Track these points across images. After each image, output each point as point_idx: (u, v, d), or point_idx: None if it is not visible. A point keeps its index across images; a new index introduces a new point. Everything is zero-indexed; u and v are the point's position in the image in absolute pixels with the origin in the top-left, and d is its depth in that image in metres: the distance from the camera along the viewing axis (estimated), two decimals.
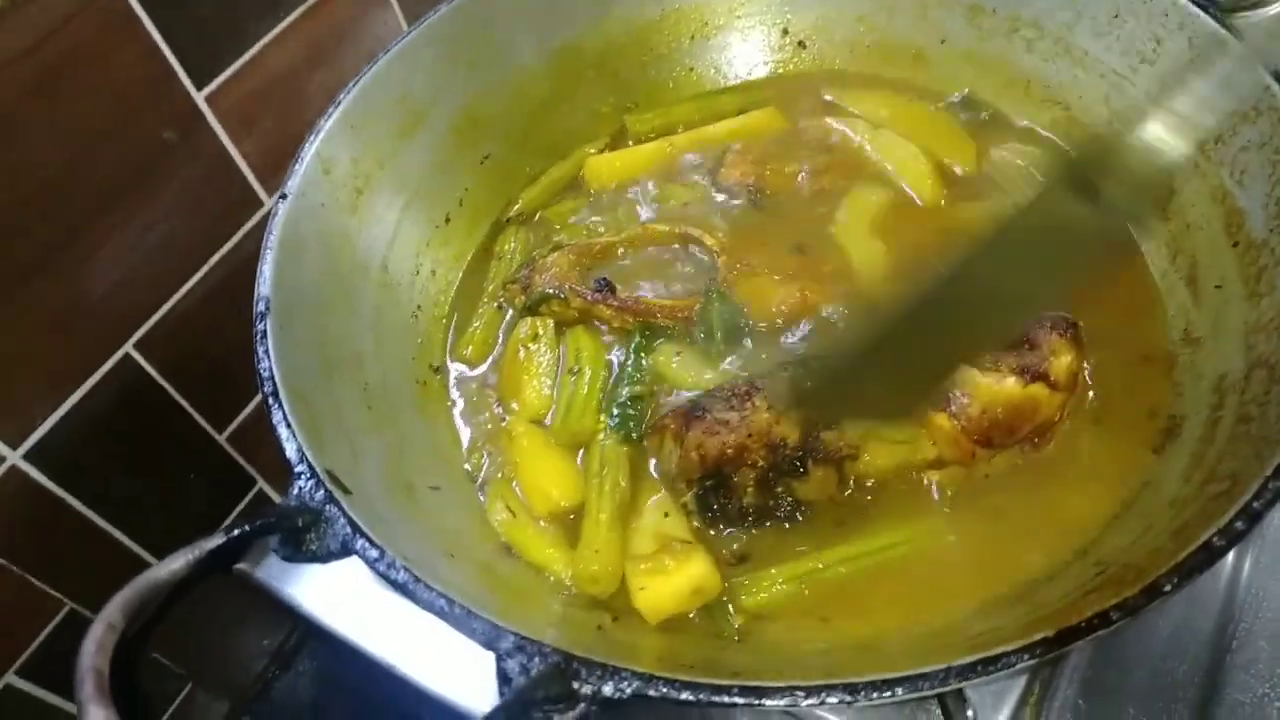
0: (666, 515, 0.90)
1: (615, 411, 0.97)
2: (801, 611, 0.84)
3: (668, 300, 1.04)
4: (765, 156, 1.18)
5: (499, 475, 0.98)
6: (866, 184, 1.14)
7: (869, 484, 0.89)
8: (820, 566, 0.86)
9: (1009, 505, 0.87)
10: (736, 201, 1.15)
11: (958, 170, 1.15)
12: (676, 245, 1.11)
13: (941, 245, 1.08)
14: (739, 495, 0.87)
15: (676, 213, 1.15)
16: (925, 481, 0.89)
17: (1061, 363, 0.87)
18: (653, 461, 0.95)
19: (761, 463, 0.85)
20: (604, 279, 1.06)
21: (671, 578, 0.83)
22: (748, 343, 1.01)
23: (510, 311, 1.10)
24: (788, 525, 0.88)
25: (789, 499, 0.88)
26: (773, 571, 0.86)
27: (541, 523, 0.93)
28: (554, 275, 1.06)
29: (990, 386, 0.85)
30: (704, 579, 0.84)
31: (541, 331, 1.05)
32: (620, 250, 1.11)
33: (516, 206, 1.23)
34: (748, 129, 1.23)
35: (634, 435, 0.95)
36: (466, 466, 0.99)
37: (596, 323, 1.06)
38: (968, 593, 0.81)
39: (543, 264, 1.08)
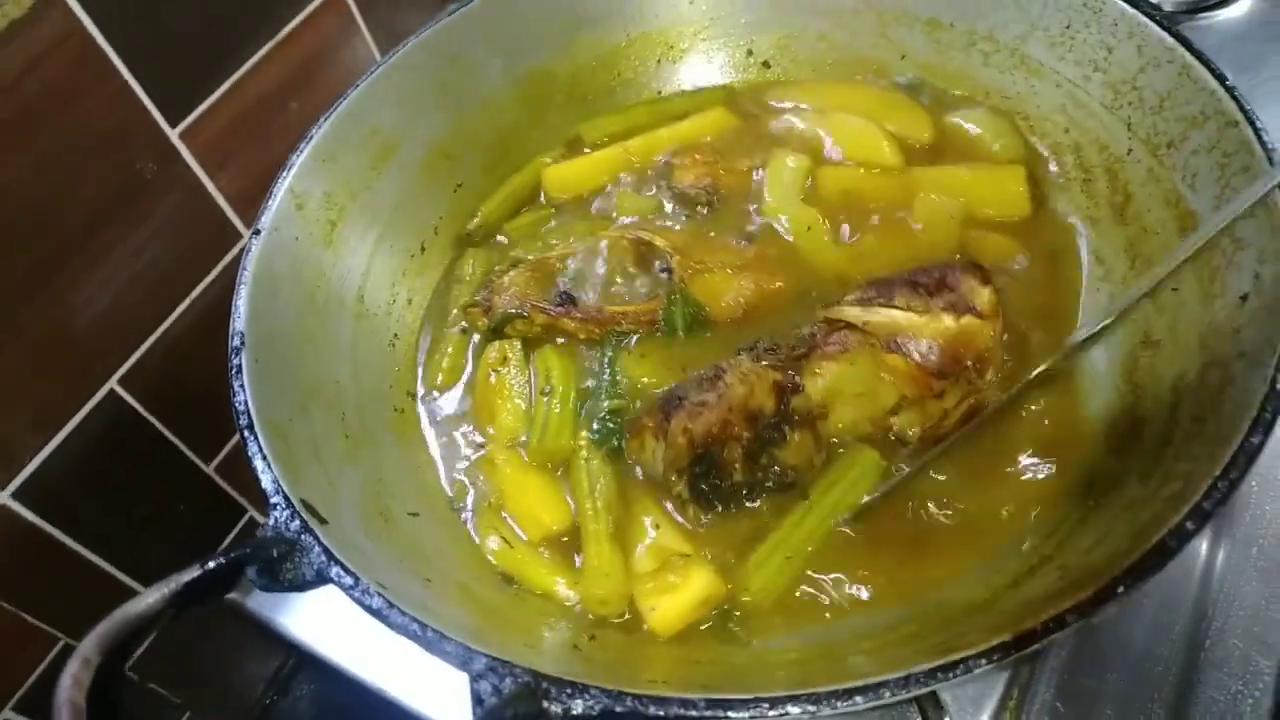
0: (658, 528, 0.91)
1: (596, 426, 0.98)
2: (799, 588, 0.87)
3: (630, 306, 1.06)
4: (717, 155, 1.20)
5: (486, 504, 0.98)
6: (780, 154, 1.17)
7: (845, 442, 0.95)
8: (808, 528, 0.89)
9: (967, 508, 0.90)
10: (691, 202, 1.17)
11: (912, 141, 1.18)
12: (631, 251, 1.12)
13: (874, 193, 1.13)
14: (729, 473, 0.90)
15: (633, 220, 1.17)
16: (891, 431, 0.95)
17: (983, 295, 0.94)
18: (638, 468, 0.96)
19: (746, 434, 0.89)
20: (564, 292, 1.07)
21: (679, 594, 0.86)
22: (709, 336, 1.04)
23: (476, 335, 1.11)
24: (781, 494, 0.92)
25: (775, 468, 0.91)
26: (762, 547, 0.88)
27: (542, 551, 0.94)
28: (514, 294, 1.07)
29: (929, 324, 0.92)
30: (709, 589, 0.86)
31: (510, 354, 1.06)
32: (576, 261, 1.12)
33: (476, 220, 1.23)
34: (699, 129, 1.25)
35: (618, 445, 0.97)
36: (448, 493, 1.00)
37: (563, 337, 1.07)
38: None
39: (500, 284, 1.09)
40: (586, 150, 1.27)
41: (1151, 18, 0.96)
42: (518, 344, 1.06)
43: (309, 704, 1.46)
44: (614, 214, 1.19)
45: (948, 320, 0.92)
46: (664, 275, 1.08)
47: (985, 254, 1.05)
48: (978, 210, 1.10)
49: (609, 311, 1.05)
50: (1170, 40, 0.94)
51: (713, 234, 1.13)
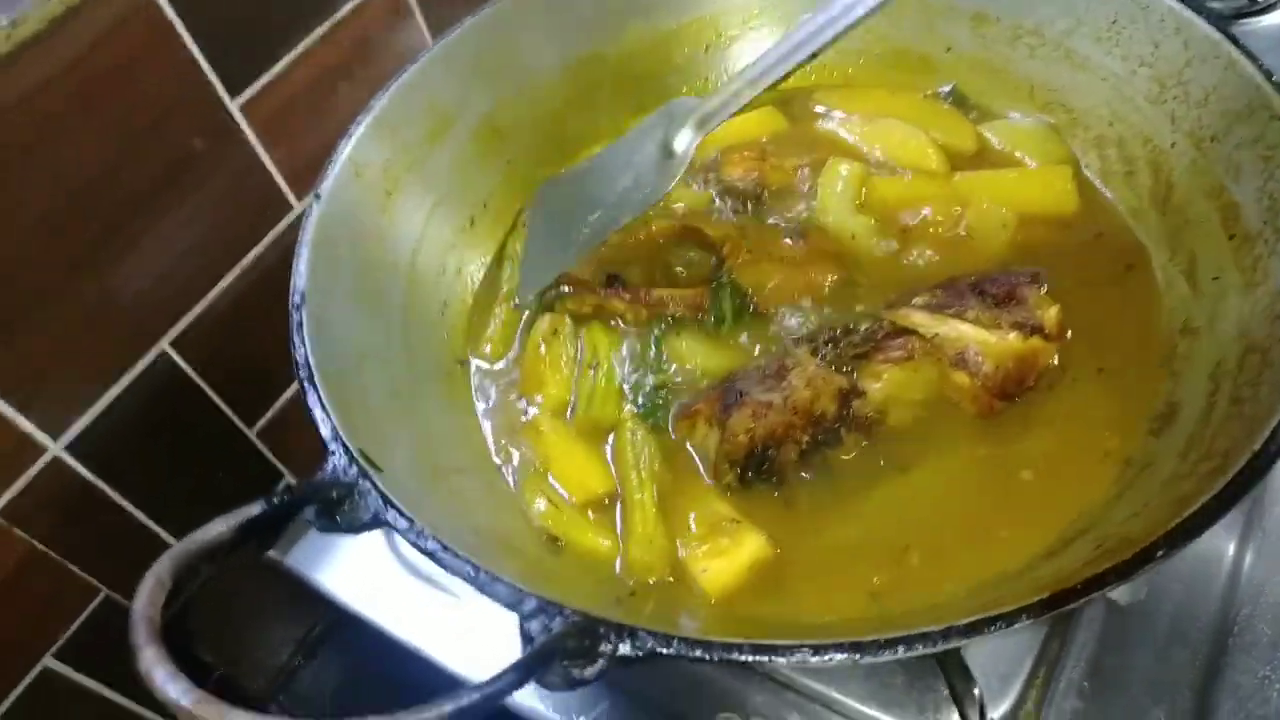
0: (706, 495, 0.94)
1: (642, 400, 1.01)
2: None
3: (676, 290, 1.07)
4: (765, 153, 1.22)
5: (531, 470, 1.00)
6: (833, 161, 1.18)
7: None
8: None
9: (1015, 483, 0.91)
10: (741, 195, 1.19)
11: (956, 148, 1.20)
12: (682, 239, 1.14)
13: (924, 200, 1.13)
14: (782, 469, 0.92)
15: (681, 210, 1.19)
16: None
17: (1050, 314, 0.94)
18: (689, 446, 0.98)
19: (805, 437, 0.91)
20: (613, 274, 1.10)
21: (730, 557, 0.88)
22: (757, 325, 1.05)
23: (526, 311, 1.14)
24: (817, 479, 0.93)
25: (821, 461, 0.93)
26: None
27: (589, 513, 0.96)
28: (566, 275, 1.09)
29: (998, 344, 0.91)
30: (760, 552, 0.88)
31: (560, 328, 1.08)
32: (627, 247, 1.14)
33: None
34: (749, 128, 1.27)
35: (660, 421, 0.99)
36: (496, 461, 1.02)
37: (612, 318, 1.09)
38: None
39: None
40: None
41: (1199, 13, 0.98)
42: (566, 319, 1.08)
43: (337, 668, 1.48)
44: (662, 205, 1.19)
45: (1015, 340, 0.92)
46: (712, 265, 1.10)
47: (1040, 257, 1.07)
48: (1025, 209, 1.11)
49: (655, 294, 1.07)
50: (1217, 35, 0.95)
51: (763, 229, 1.14)
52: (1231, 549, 0.99)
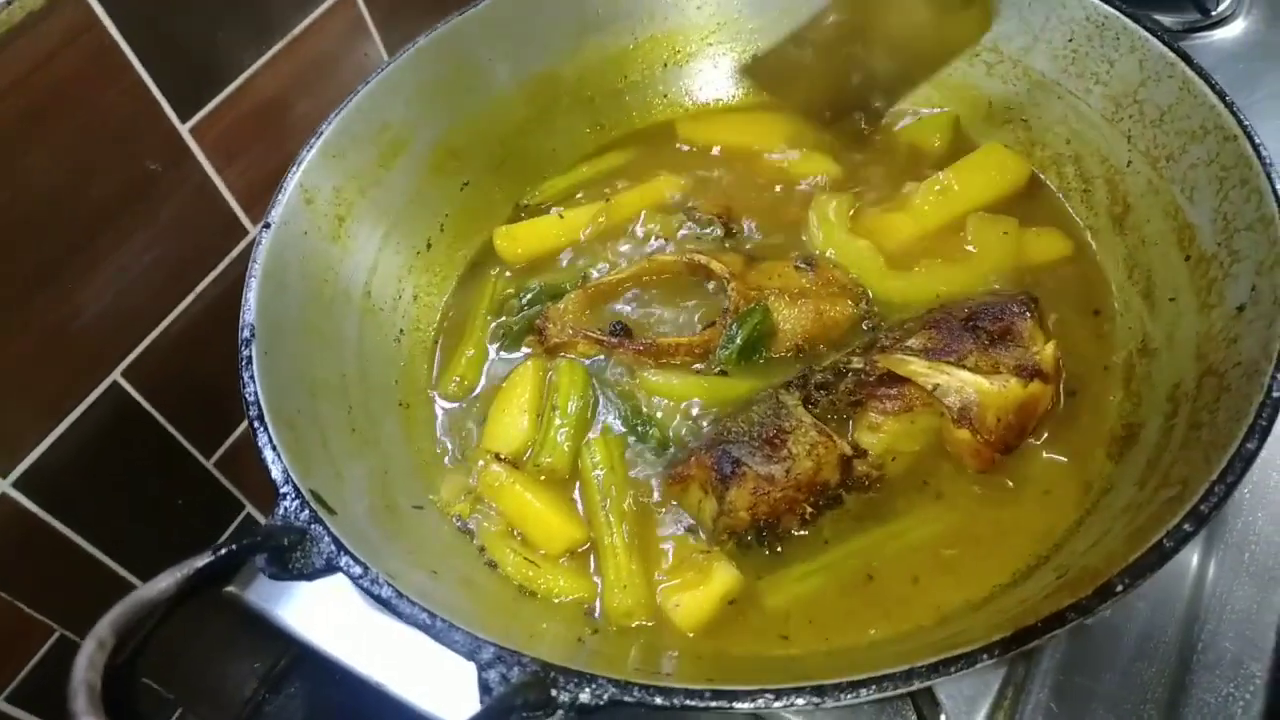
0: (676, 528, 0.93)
1: (621, 428, 1.01)
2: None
3: (684, 339, 1.04)
4: (723, 194, 1.23)
5: (492, 529, 0.96)
6: (822, 195, 1.18)
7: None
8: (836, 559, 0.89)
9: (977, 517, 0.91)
10: (714, 232, 1.18)
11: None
12: (687, 275, 1.11)
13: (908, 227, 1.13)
14: (783, 537, 0.90)
15: (688, 238, 1.18)
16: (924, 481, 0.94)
17: (1047, 354, 0.92)
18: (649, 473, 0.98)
19: (809, 508, 0.89)
20: (619, 324, 1.07)
21: (700, 591, 0.87)
22: (761, 362, 1.03)
23: (492, 347, 1.12)
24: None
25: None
26: (796, 569, 0.89)
27: (563, 561, 0.93)
28: (569, 323, 1.07)
29: (1000, 393, 0.89)
30: (731, 585, 0.87)
31: (524, 370, 1.06)
32: (627, 285, 1.12)
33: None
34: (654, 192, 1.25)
35: (642, 438, 0.99)
36: (454, 520, 0.98)
37: (588, 358, 1.07)
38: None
39: (555, 313, 1.09)
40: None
41: (1153, 33, 0.98)
42: (529, 365, 1.07)
43: (301, 703, 1.46)
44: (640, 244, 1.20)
45: (1014, 385, 0.89)
46: (716, 302, 1.07)
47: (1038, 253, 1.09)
48: (986, 198, 1.13)
49: (663, 343, 1.04)
50: (1172, 55, 0.96)
51: (771, 260, 1.11)
52: (1194, 566, 0.99)
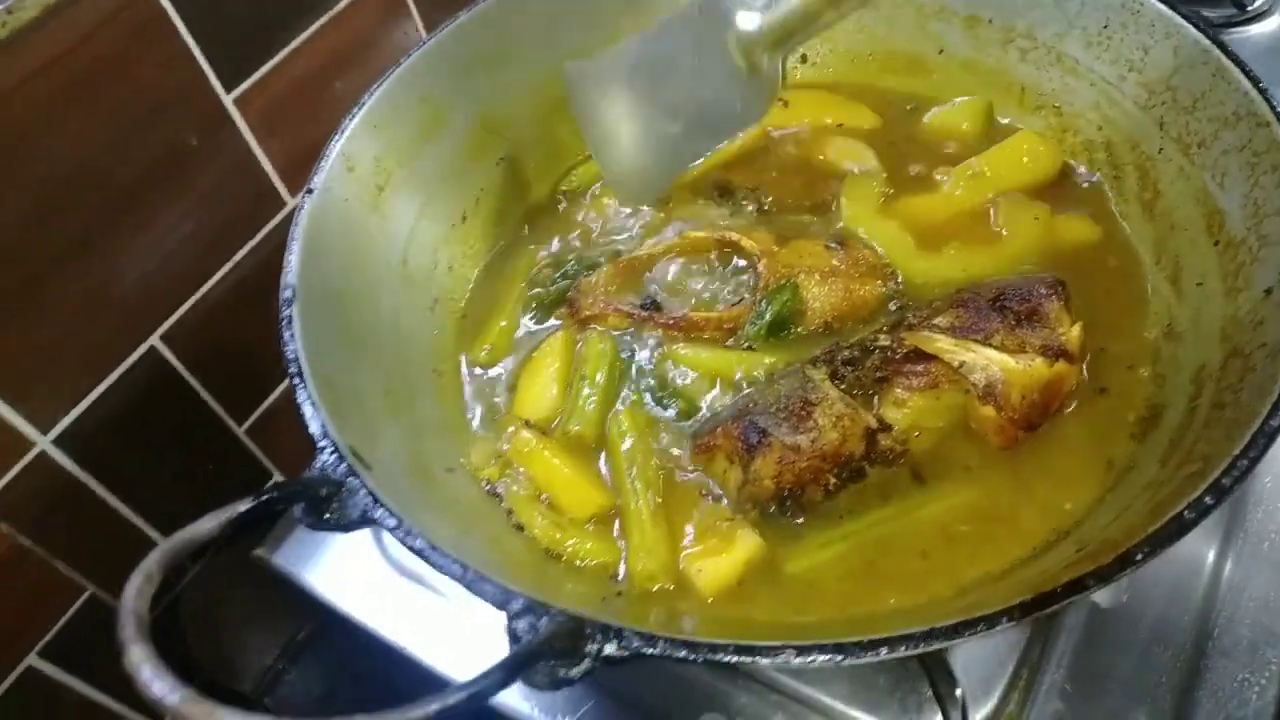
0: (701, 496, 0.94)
1: (649, 400, 1.02)
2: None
3: (714, 314, 1.06)
4: (758, 166, 1.23)
5: (521, 492, 0.97)
6: (854, 176, 1.20)
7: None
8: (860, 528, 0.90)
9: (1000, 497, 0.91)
10: (743, 200, 1.19)
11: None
12: (717, 252, 1.12)
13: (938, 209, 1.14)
14: (807, 508, 0.91)
15: (721, 217, 1.19)
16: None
17: (1073, 335, 0.92)
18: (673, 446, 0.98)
19: (832, 479, 0.89)
20: (650, 298, 1.08)
21: (724, 557, 0.88)
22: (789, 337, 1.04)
23: (525, 315, 1.13)
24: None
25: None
26: (817, 538, 0.90)
27: (589, 526, 0.94)
28: (601, 296, 1.08)
29: (1025, 371, 0.89)
30: (754, 551, 0.88)
31: (554, 340, 1.08)
32: (662, 262, 1.13)
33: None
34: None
35: (666, 405, 1.01)
36: (483, 483, 0.99)
37: (618, 329, 1.08)
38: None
39: (588, 285, 1.10)
40: None
41: (1189, 19, 0.99)
42: (559, 335, 1.08)
43: (323, 670, 1.48)
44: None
45: (1041, 365, 0.89)
46: (746, 279, 1.08)
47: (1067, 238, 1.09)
48: (1014, 184, 1.13)
49: (693, 318, 1.06)
50: (1206, 42, 0.96)
51: (801, 239, 1.11)
52: (1212, 554, 0.99)
